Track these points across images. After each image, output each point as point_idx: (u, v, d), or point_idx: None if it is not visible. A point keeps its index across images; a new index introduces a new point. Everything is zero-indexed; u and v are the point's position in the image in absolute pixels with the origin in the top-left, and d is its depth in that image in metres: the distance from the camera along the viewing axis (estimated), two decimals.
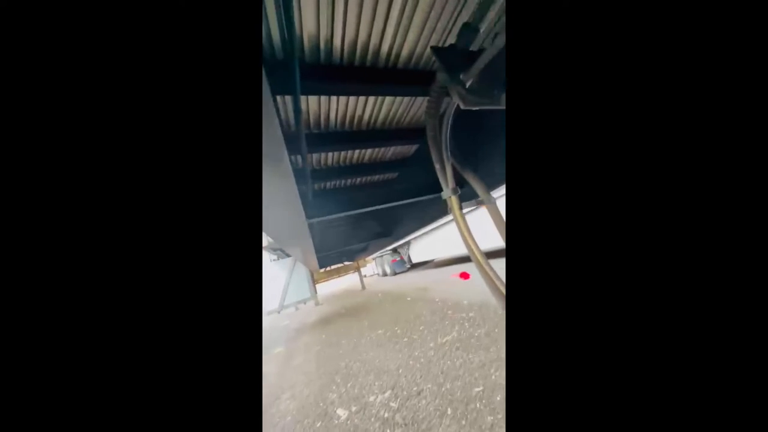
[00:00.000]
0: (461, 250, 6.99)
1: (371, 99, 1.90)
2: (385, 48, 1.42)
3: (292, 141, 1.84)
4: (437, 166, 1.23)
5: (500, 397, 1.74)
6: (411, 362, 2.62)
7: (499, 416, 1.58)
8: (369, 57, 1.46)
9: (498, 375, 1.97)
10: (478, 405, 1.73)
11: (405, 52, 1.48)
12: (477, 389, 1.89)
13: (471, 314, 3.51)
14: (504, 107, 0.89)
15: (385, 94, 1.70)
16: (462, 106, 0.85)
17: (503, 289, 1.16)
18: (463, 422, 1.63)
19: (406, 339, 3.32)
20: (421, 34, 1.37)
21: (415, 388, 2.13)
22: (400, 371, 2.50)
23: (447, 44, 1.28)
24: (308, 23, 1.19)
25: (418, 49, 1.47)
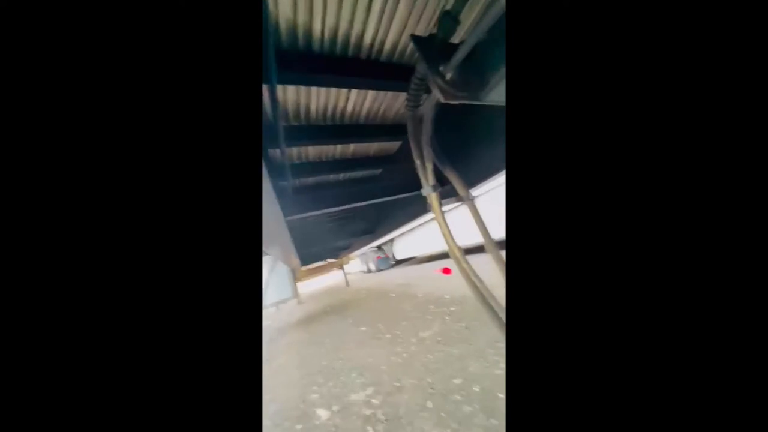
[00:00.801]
0: (444, 247, 7.13)
1: (354, 92, 1.85)
2: (367, 39, 1.38)
3: (269, 132, 1.75)
4: (417, 163, 1.21)
5: (478, 388, 1.80)
6: (393, 358, 2.64)
7: (476, 406, 1.64)
8: (351, 48, 1.41)
9: (476, 366, 2.04)
10: (457, 396, 1.78)
11: (388, 46, 1.44)
12: (456, 381, 1.94)
13: (452, 308, 3.60)
14: (484, 103, 0.88)
15: (367, 87, 1.66)
16: (442, 100, 0.83)
17: (478, 284, 1.18)
18: (443, 414, 1.66)
19: (389, 335, 3.34)
20: (405, 26, 1.34)
21: (396, 384, 2.14)
22: (383, 368, 2.51)
23: None
24: (284, 7, 1.13)
25: (401, 43, 1.45)
